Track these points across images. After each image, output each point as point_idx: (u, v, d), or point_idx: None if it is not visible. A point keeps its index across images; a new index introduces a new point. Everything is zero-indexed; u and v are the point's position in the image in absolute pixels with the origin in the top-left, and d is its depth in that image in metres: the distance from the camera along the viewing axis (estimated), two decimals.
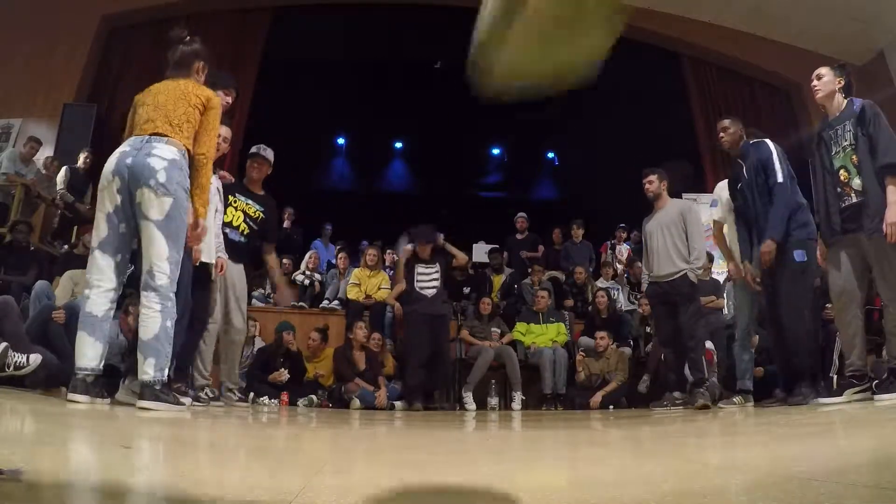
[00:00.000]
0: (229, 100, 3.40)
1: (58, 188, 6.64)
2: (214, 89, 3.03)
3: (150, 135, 2.62)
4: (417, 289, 5.34)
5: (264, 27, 8.98)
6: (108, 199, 2.59)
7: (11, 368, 2.90)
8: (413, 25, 8.89)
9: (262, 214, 4.18)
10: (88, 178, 6.93)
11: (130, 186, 2.55)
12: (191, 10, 8.76)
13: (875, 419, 2.22)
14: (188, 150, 2.69)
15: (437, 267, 5.38)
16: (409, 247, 5.54)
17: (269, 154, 4.27)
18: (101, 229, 2.60)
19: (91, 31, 8.23)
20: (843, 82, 3.36)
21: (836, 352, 4.65)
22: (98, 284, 2.57)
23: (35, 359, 2.92)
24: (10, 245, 5.54)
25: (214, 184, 3.61)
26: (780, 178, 3.65)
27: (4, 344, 2.89)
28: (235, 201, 4.05)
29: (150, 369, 2.46)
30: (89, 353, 2.51)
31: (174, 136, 2.63)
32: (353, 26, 8.94)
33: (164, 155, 2.57)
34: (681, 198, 5.85)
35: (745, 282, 3.94)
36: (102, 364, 2.58)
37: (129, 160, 2.56)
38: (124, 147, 2.63)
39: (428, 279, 5.35)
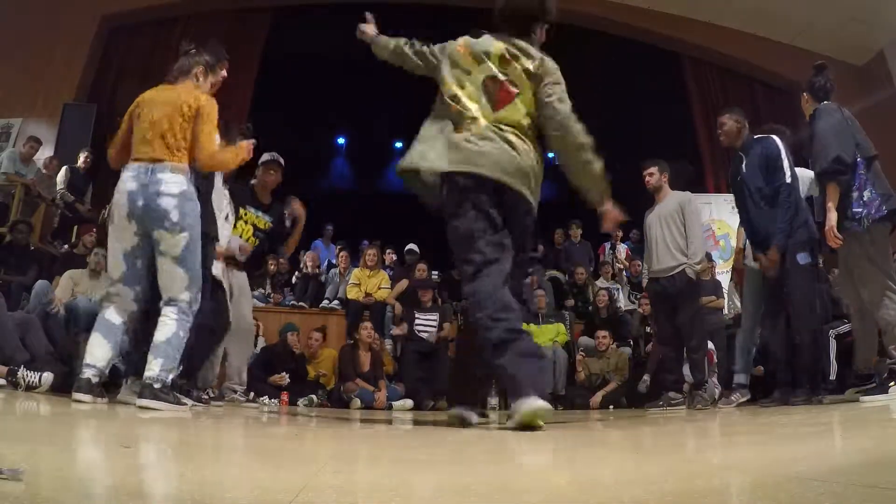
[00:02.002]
0: (224, 73, 3.30)
1: (58, 188, 6.64)
2: (207, 69, 3.00)
3: (151, 161, 2.62)
4: (416, 331, 5.74)
5: (264, 27, 8.97)
6: (123, 239, 2.63)
7: (24, 388, 2.96)
8: (413, 25, 8.88)
9: (270, 224, 4.17)
10: (88, 178, 6.93)
11: (146, 227, 2.59)
12: (191, 10, 8.75)
13: (875, 419, 2.22)
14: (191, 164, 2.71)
15: (436, 316, 5.82)
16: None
17: (281, 160, 4.30)
18: (119, 266, 2.66)
19: (91, 31, 8.22)
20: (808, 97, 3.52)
21: (833, 355, 4.62)
22: (118, 303, 2.67)
23: (47, 378, 2.99)
24: (10, 245, 5.54)
25: (226, 197, 3.64)
26: (787, 179, 3.59)
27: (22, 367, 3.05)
28: (246, 214, 4.02)
29: (156, 368, 2.49)
30: (98, 353, 2.57)
31: (174, 160, 2.63)
32: (353, 26, 8.93)
33: (172, 191, 2.59)
34: None
35: (763, 269, 3.82)
36: (108, 368, 2.63)
37: (140, 202, 2.57)
38: (130, 184, 2.61)
39: (426, 325, 5.79)
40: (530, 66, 2.24)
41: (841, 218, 3.12)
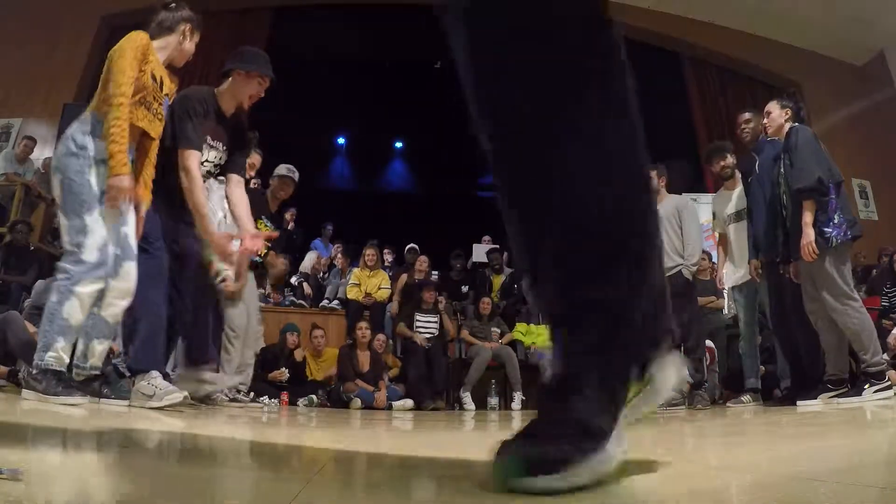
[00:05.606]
0: (261, 91, 3.08)
1: None
2: (249, 72, 2.82)
3: None
4: (417, 331, 5.74)
5: (264, 27, 8.97)
6: None
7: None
8: (413, 25, 8.88)
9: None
10: None
11: None
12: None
13: (875, 419, 2.23)
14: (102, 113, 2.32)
15: (437, 317, 5.88)
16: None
17: (296, 175, 4.36)
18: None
19: (91, 31, 8.22)
20: (789, 113, 3.57)
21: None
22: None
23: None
24: (10, 245, 5.54)
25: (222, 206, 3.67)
26: None
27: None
28: (262, 226, 4.07)
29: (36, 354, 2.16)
30: (96, 352, 2.52)
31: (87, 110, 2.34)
32: (353, 26, 8.94)
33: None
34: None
35: (750, 276, 3.94)
36: (108, 366, 2.62)
37: None
38: None
39: (427, 326, 5.83)
40: None
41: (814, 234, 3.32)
